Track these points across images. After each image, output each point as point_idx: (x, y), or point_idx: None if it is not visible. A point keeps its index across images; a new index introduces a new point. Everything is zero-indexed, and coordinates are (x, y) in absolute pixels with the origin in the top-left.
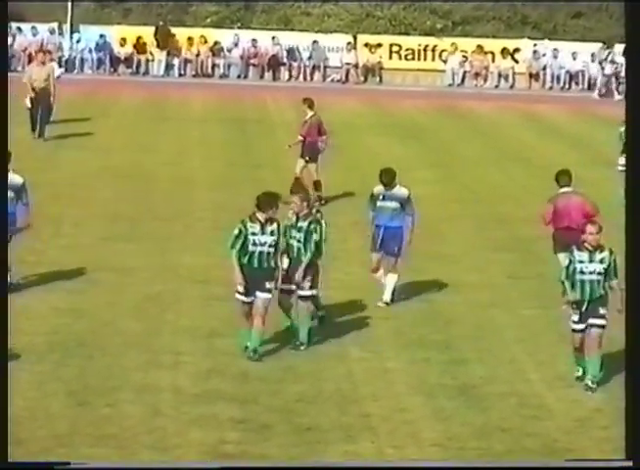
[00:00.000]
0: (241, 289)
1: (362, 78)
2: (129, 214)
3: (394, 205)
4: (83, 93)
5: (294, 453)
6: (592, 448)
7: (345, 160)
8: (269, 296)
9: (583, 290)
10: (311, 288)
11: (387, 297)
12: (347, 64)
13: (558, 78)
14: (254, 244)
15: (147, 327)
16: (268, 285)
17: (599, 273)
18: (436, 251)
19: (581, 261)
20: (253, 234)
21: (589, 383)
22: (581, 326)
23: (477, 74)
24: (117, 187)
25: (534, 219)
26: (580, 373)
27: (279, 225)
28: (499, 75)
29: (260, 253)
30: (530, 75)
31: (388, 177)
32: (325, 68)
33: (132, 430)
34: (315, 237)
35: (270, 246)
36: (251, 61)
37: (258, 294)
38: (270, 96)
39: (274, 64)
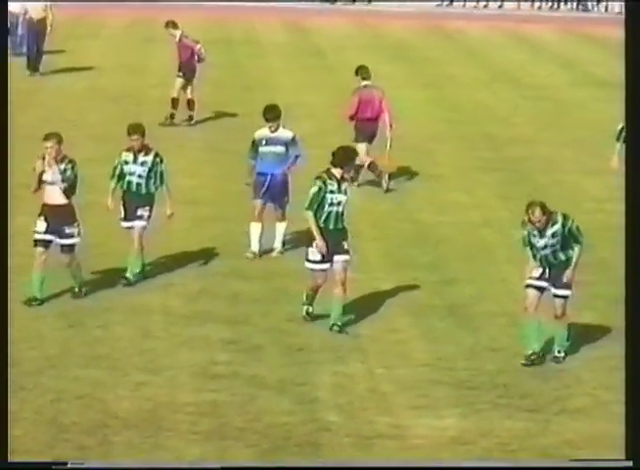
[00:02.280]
0: (317, 256)
1: None
2: (118, 136)
3: (279, 149)
4: (71, 16)
5: (284, 374)
6: (583, 368)
7: (336, 80)
8: (348, 257)
9: (542, 265)
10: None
11: (277, 245)
12: None
13: None
14: (332, 203)
15: None
16: (346, 245)
17: (552, 245)
18: (425, 171)
19: (534, 235)
20: (332, 192)
21: (557, 353)
22: (542, 283)
23: None
24: (106, 109)
25: (524, 139)
26: (531, 351)
27: (346, 182)
28: None
29: (337, 213)
30: None
31: (272, 113)
32: None
33: (123, 351)
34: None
35: (343, 205)
36: None
37: (337, 257)
38: (258, 17)
39: None
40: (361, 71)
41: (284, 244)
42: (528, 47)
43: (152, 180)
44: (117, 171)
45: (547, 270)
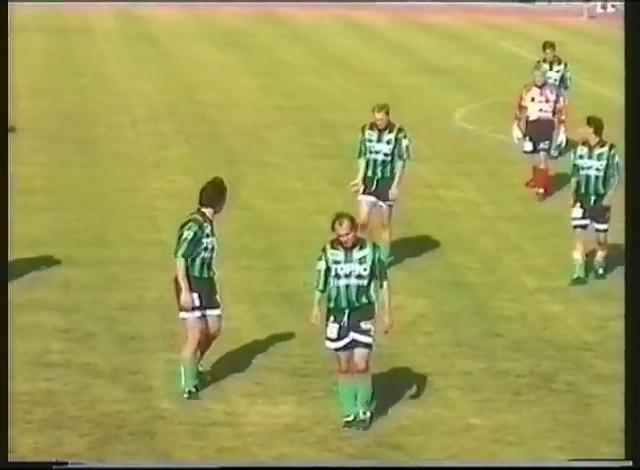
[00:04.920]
0: (196, 303)
1: None
2: None
3: None
4: None
5: (117, 362)
6: (417, 355)
7: (169, 68)
8: (220, 312)
9: (339, 298)
10: None
11: None
12: None
13: None
14: (206, 248)
15: None
16: (218, 298)
17: (359, 276)
18: (258, 158)
19: (337, 262)
20: (208, 236)
21: (361, 415)
22: (342, 343)
23: None
24: None
25: (359, 126)
26: (352, 418)
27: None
28: None
29: (211, 258)
30: None
31: None
32: None
33: None
34: None
35: (213, 250)
36: None
37: (212, 312)
38: (92, 6)
39: None
40: None
41: None
42: (361, 34)
43: None
44: None
45: (346, 316)
